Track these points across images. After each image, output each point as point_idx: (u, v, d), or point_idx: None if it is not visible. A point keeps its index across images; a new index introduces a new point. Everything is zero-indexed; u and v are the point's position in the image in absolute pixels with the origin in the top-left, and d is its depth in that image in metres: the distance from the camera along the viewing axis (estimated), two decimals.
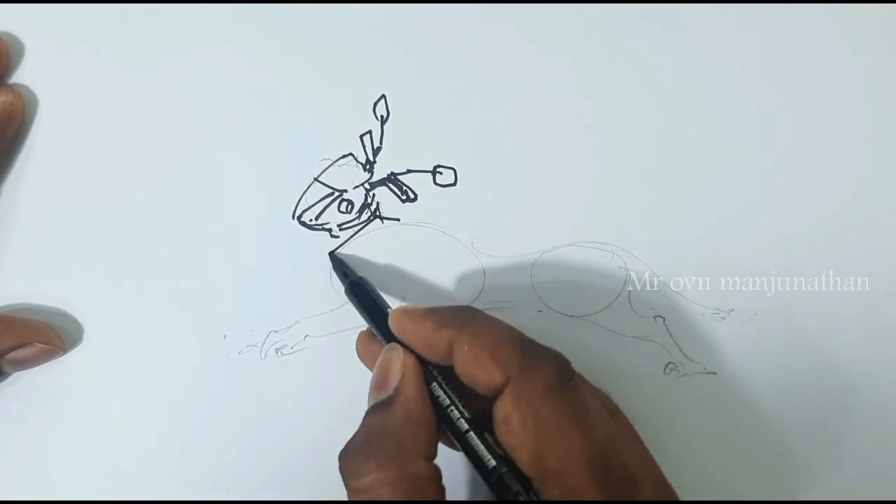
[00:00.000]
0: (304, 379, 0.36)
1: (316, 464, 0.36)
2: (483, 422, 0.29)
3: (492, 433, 0.28)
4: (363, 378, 0.35)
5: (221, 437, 0.36)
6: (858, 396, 0.35)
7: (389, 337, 0.31)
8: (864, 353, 0.35)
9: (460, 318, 0.30)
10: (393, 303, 0.36)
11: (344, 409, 0.36)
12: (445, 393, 0.30)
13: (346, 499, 0.35)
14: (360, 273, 0.35)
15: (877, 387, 0.35)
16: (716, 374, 0.35)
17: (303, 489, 0.36)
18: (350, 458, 0.29)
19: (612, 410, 0.32)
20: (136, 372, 0.36)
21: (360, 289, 0.33)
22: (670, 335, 0.35)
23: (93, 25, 0.36)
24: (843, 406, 0.35)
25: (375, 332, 0.33)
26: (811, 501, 0.35)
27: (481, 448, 0.28)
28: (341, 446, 0.35)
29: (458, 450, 0.30)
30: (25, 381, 0.36)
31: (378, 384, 0.30)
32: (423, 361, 0.30)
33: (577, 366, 0.35)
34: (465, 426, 0.29)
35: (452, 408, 0.29)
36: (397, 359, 0.30)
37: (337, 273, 0.35)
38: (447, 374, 0.30)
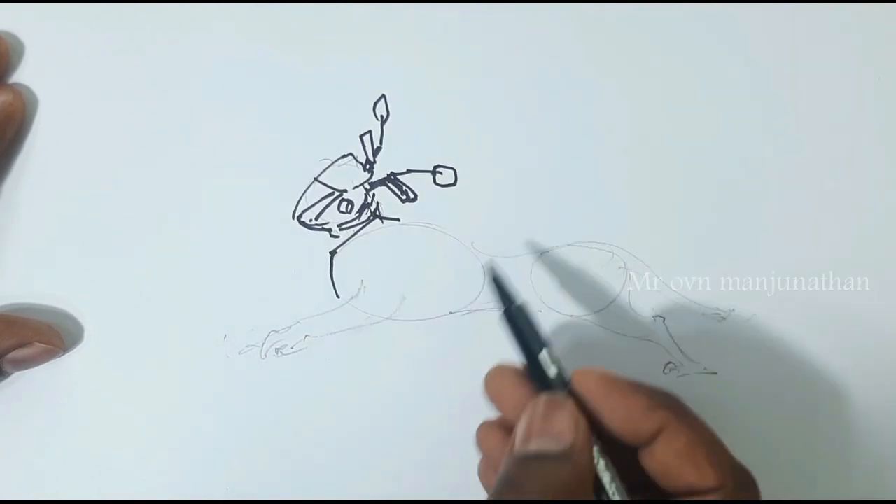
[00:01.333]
0: (304, 379, 0.36)
1: (315, 463, 0.36)
2: None
3: None
4: (363, 378, 0.35)
5: (221, 436, 0.36)
6: (858, 396, 0.35)
7: (548, 383, 0.29)
8: (864, 353, 0.35)
9: (674, 405, 0.28)
10: (396, 305, 0.36)
11: (344, 409, 0.36)
12: (614, 471, 0.27)
13: (345, 498, 0.35)
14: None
15: (877, 387, 0.35)
16: (716, 374, 0.35)
17: (303, 489, 0.36)
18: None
19: None
20: (135, 372, 0.36)
21: (522, 317, 0.30)
22: (670, 335, 0.35)
23: (93, 25, 0.36)
24: (843, 406, 0.35)
25: (530, 374, 0.29)
26: (811, 501, 0.35)
27: None
28: (341, 446, 0.35)
29: None
30: (25, 381, 0.36)
31: (542, 430, 0.27)
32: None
33: (577, 366, 0.35)
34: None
35: (618, 488, 0.27)
36: (570, 413, 0.27)
37: (493, 290, 0.31)
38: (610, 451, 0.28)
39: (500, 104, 0.36)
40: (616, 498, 0.27)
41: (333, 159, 0.36)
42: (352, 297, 0.36)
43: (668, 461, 0.27)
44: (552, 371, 0.29)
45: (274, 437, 0.36)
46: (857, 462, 0.35)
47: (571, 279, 0.35)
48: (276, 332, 0.36)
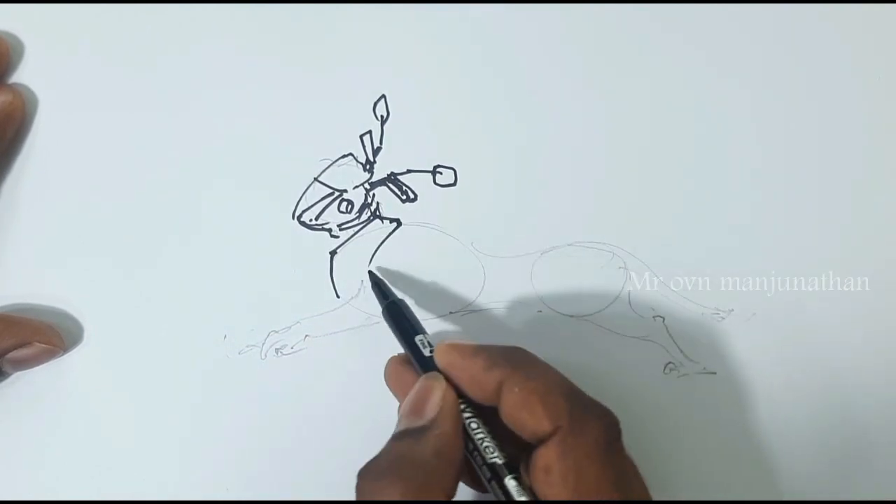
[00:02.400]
0: (304, 379, 0.36)
1: (316, 464, 0.36)
2: (513, 465, 0.28)
3: (519, 478, 0.28)
4: (363, 378, 0.35)
5: (221, 436, 0.36)
6: (858, 396, 0.35)
7: (427, 366, 0.31)
8: (864, 353, 0.35)
9: (513, 359, 0.29)
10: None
11: (344, 410, 0.36)
12: (485, 432, 0.29)
13: (345, 498, 0.35)
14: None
15: (877, 387, 0.35)
16: (715, 374, 0.35)
17: (303, 489, 0.36)
18: (373, 480, 0.28)
19: None
20: (136, 372, 0.36)
21: (397, 311, 0.33)
22: (670, 335, 0.35)
23: (93, 25, 0.36)
24: (842, 406, 0.35)
25: (411, 360, 0.32)
26: (811, 501, 0.35)
27: (514, 491, 0.28)
28: (341, 446, 0.35)
29: (479, 490, 0.30)
30: (25, 381, 0.36)
31: (412, 410, 0.29)
32: (460, 397, 0.30)
33: (577, 366, 0.35)
34: (503, 468, 0.28)
35: (489, 447, 0.29)
36: (438, 389, 0.29)
37: (374, 291, 0.34)
38: (483, 414, 0.29)
39: (500, 104, 0.36)
40: (488, 455, 0.28)
41: (333, 159, 0.36)
42: (352, 297, 0.36)
43: (510, 413, 0.28)
44: (426, 352, 0.31)
45: (274, 437, 0.36)
46: (857, 462, 0.35)
47: (571, 279, 0.35)
48: (276, 332, 0.36)
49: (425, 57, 0.36)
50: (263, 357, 0.36)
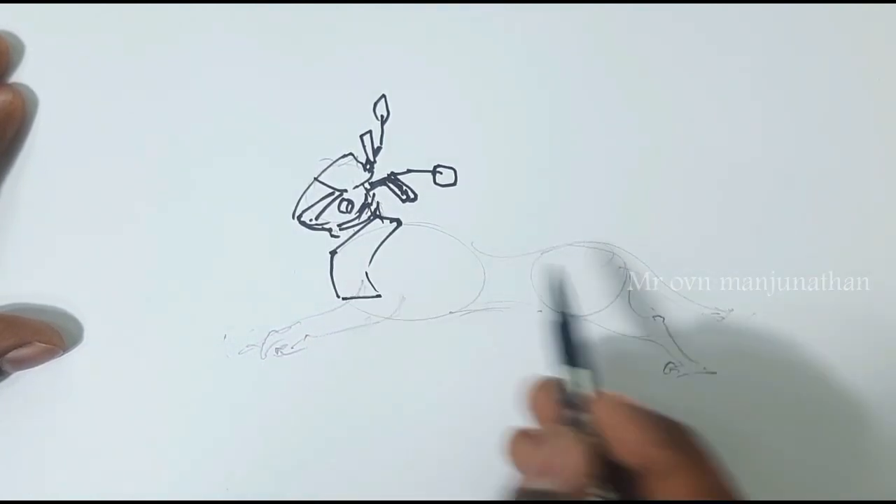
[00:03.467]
0: (304, 379, 0.36)
1: (315, 463, 0.36)
2: None
3: None
4: (363, 378, 0.35)
5: (221, 437, 0.36)
6: (858, 396, 0.35)
7: (576, 408, 0.28)
8: (864, 353, 0.35)
9: (690, 443, 0.28)
10: (396, 305, 0.36)
11: (343, 410, 0.36)
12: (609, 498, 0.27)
13: (345, 498, 0.35)
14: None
15: (877, 387, 0.35)
16: (716, 374, 0.35)
17: (302, 489, 0.36)
18: None
19: None
20: (135, 372, 0.36)
21: (570, 330, 0.29)
22: (670, 335, 0.35)
23: (93, 25, 0.36)
24: (842, 406, 0.35)
25: (559, 389, 0.29)
26: (811, 501, 0.35)
27: None
28: (340, 446, 0.35)
29: None
30: (25, 381, 0.36)
31: (543, 468, 0.27)
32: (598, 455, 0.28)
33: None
34: None
35: None
36: (579, 454, 0.27)
37: (552, 293, 0.31)
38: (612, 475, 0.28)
39: (500, 104, 0.36)
40: None
41: (333, 159, 0.36)
42: (352, 297, 0.36)
43: (666, 497, 0.27)
44: (585, 391, 0.29)
45: (274, 437, 0.36)
46: (857, 462, 0.35)
47: (571, 279, 0.35)
48: (276, 332, 0.36)
49: (425, 57, 0.36)
50: (263, 357, 0.36)
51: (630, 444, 0.27)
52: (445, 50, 0.36)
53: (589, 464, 0.27)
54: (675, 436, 0.28)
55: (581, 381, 0.29)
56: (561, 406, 0.29)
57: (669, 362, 0.35)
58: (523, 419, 0.30)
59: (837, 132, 0.35)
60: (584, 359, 0.29)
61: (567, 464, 0.27)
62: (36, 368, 0.35)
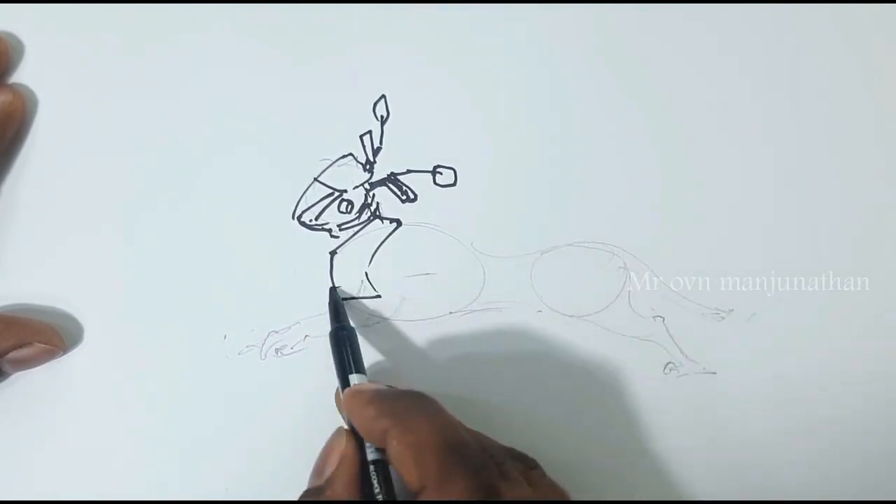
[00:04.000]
0: (304, 379, 0.36)
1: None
2: None
3: None
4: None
5: (221, 437, 0.36)
6: (858, 396, 0.35)
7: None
8: (864, 353, 0.35)
9: (400, 408, 0.29)
10: (396, 305, 0.36)
11: None
12: (383, 482, 0.30)
13: None
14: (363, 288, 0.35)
15: (876, 387, 0.35)
16: (715, 374, 0.35)
17: (303, 489, 0.36)
18: None
19: None
20: (135, 372, 0.36)
21: (343, 339, 0.33)
22: (670, 335, 0.35)
23: (93, 25, 0.36)
24: (842, 406, 0.35)
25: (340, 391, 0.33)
26: (811, 501, 0.35)
27: None
28: None
29: None
30: (25, 381, 0.36)
31: (317, 469, 0.31)
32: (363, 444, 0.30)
33: (577, 366, 0.35)
34: None
35: (379, 497, 0.29)
36: (337, 447, 0.30)
37: (329, 309, 0.35)
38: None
39: (500, 104, 0.36)
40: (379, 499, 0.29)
41: (333, 159, 0.36)
42: (352, 297, 0.36)
43: (393, 464, 0.29)
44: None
45: (274, 438, 0.36)
46: (857, 461, 0.35)
47: (571, 279, 0.35)
48: (276, 332, 0.36)
49: (425, 57, 0.36)
50: (263, 357, 0.36)
51: (361, 425, 0.30)
52: (445, 50, 0.36)
53: (344, 454, 0.30)
54: (387, 406, 0.29)
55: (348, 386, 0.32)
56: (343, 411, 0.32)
57: (669, 362, 0.35)
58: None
59: (837, 132, 0.35)
60: (358, 365, 0.33)
61: (330, 458, 0.30)
62: (36, 368, 0.35)
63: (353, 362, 0.33)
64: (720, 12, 0.36)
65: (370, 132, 0.36)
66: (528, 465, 0.31)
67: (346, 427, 0.32)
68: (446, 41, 0.36)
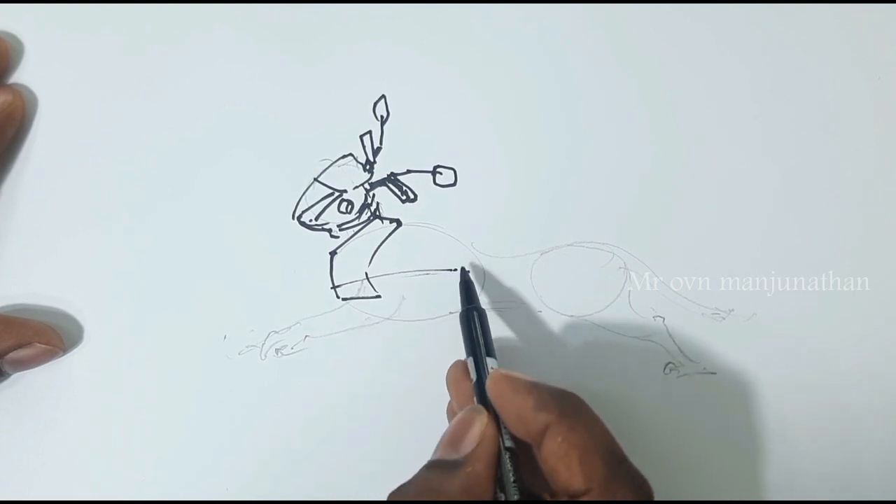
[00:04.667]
0: (304, 379, 0.36)
1: (315, 463, 0.36)
2: None
3: None
4: (363, 378, 0.35)
5: (221, 437, 0.36)
6: (858, 396, 0.35)
7: (481, 389, 0.31)
8: (864, 353, 0.35)
9: (563, 404, 0.28)
10: (396, 305, 0.36)
11: (343, 410, 0.36)
12: (515, 471, 0.29)
13: (345, 498, 0.35)
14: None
15: (876, 387, 0.35)
16: (715, 374, 0.35)
17: (302, 489, 0.36)
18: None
19: None
20: (135, 372, 0.36)
21: (474, 320, 0.33)
22: (670, 335, 0.35)
23: (93, 25, 0.36)
24: (842, 406, 0.35)
25: (471, 369, 0.32)
26: (811, 501, 0.35)
27: None
28: (341, 446, 0.35)
29: None
30: (25, 381, 0.36)
31: (450, 441, 0.29)
32: (500, 428, 0.30)
33: (577, 366, 0.35)
34: None
35: (514, 488, 0.28)
36: (479, 424, 0.29)
37: (461, 289, 0.34)
38: (521, 448, 0.29)
39: (500, 104, 0.36)
40: (511, 497, 0.28)
41: (333, 159, 0.36)
42: (352, 297, 0.36)
43: (548, 460, 0.28)
44: (477, 376, 0.31)
45: (274, 438, 0.36)
46: (857, 462, 0.35)
47: (571, 279, 0.35)
48: (276, 332, 0.36)
49: (425, 57, 0.36)
50: (263, 357, 0.36)
51: (512, 411, 0.29)
52: (446, 50, 0.36)
53: (485, 434, 0.29)
54: (549, 400, 0.29)
55: (488, 368, 0.31)
56: (474, 389, 0.31)
57: (669, 362, 0.35)
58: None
59: (837, 132, 0.35)
60: (490, 348, 0.32)
61: (470, 434, 0.29)
62: (36, 368, 0.35)
63: (486, 344, 0.32)
64: (721, 13, 0.36)
65: (370, 132, 0.36)
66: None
67: (479, 405, 0.31)
68: (446, 41, 0.36)
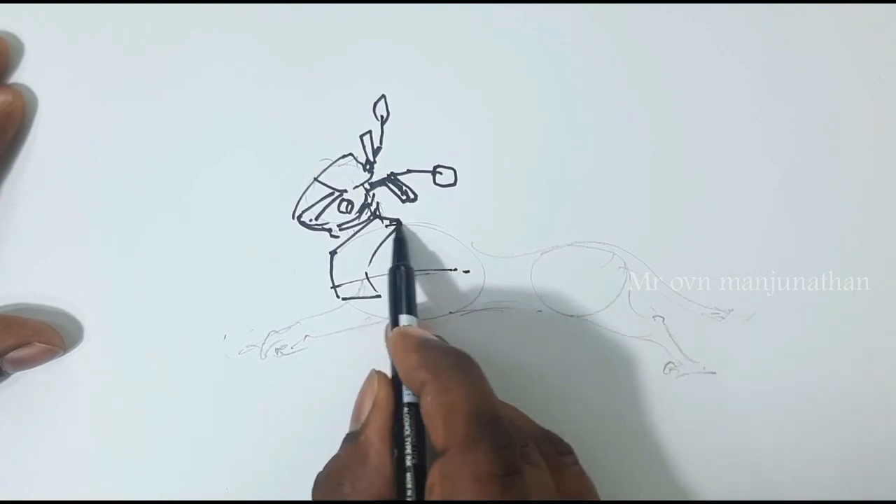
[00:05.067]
0: (304, 379, 0.36)
1: (316, 463, 0.36)
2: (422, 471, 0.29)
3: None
4: (363, 378, 0.35)
5: (221, 437, 0.36)
6: (858, 396, 0.35)
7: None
8: (864, 353, 0.35)
9: (441, 364, 0.29)
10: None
11: (344, 409, 0.36)
12: (410, 427, 0.29)
13: None
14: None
15: (876, 387, 0.35)
16: (715, 374, 0.35)
17: (303, 489, 0.36)
18: (318, 488, 0.29)
19: None
20: (135, 372, 0.36)
21: (398, 278, 0.33)
22: (670, 335, 0.35)
23: (93, 25, 0.36)
24: (842, 406, 0.35)
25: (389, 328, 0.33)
26: (810, 501, 0.35)
27: (407, 491, 0.28)
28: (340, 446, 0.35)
29: None
30: (25, 381, 0.36)
31: (354, 414, 0.31)
32: (400, 385, 0.30)
33: (577, 366, 0.35)
34: (407, 465, 0.29)
35: (407, 444, 0.29)
36: (371, 390, 0.30)
37: (394, 246, 0.35)
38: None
39: (500, 104, 0.36)
40: (404, 452, 0.29)
41: (333, 159, 0.36)
42: (352, 297, 0.36)
43: (423, 418, 0.28)
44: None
45: (274, 438, 0.36)
46: (857, 461, 0.35)
47: (571, 279, 0.35)
48: (276, 332, 0.36)
49: (425, 57, 0.36)
50: (263, 357, 0.36)
51: (402, 370, 0.30)
52: (446, 50, 0.36)
53: (377, 399, 0.30)
54: (430, 359, 0.29)
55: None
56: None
57: (669, 362, 0.35)
58: None
59: (837, 132, 0.35)
60: (411, 306, 0.32)
61: (365, 403, 0.30)
62: (36, 368, 0.35)
63: (407, 302, 0.33)
64: (721, 12, 0.36)
65: (370, 132, 0.36)
66: (559, 450, 0.31)
67: (377, 370, 0.31)
68: (446, 41, 0.36)
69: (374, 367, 0.32)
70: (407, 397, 0.30)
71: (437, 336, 0.31)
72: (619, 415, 0.35)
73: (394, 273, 0.34)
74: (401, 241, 0.34)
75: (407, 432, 0.29)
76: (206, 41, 0.36)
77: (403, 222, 0.36)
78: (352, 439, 0.30)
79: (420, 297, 0.36)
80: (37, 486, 0.36)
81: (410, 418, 0.30)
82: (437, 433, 0.27)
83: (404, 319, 0.32)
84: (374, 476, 0.29)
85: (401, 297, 0.33)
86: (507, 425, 0.27)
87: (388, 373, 0.32)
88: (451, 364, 0.29)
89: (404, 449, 0.29)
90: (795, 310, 0.35)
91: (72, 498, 0.36)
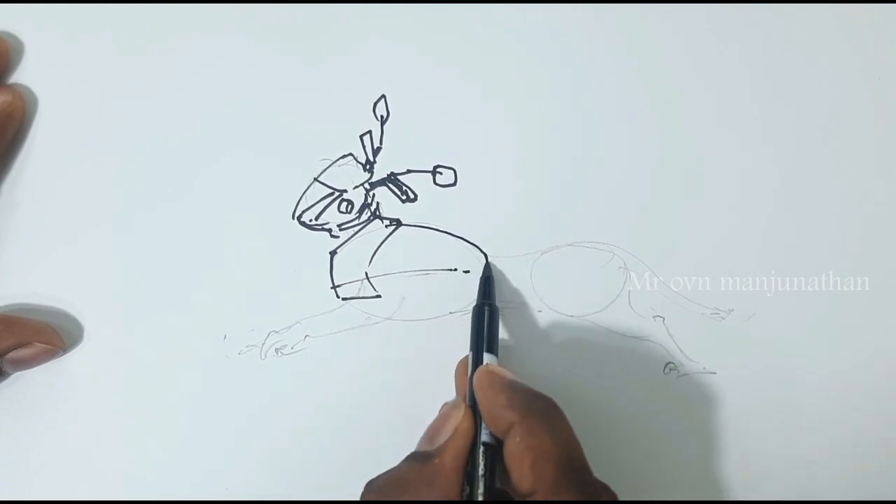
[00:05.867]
0: (304, 379, 0.36)
1: (316, 463, 0.36)
2: None
3: None
4: (363, 378, 0.36)
5: (221, 437, 0.36)
6: (858, 396, 0.35)
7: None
8: (864, 353, 0.35)
9: (531, 406, 0.29)
10: (396, 305, 0.36)
11: (344, 409, 0.36)
12: (488, 466, 0.29)
13: (344, 497, 0.35)
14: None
15: (876, 387, 0.35)
16: (715, 374, 0.35)
17: (303, 489, 0.36)
18: (373, 492, 0.29)
19: None
20: (135, 372, 0.36)
21: (483, 316, 0.33)
22: (670, 335, 0.35)
23: (93, 25, 0.36)
24: (842, 406, 0.35)
25: (469, 364, 0.32)
26: (810, 501, 0.35)
27: None
28: (341, 446, 0.35)
29: None
30: (25, 381, 0.36)
31: (430, 434, 0.30)
32: (479, 423, 0.30)
33: (577, 366, 0.35)
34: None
35: (482, 482, 0.29)
36: (454, 419, 0.30)
37: (480, 283, 0.35)
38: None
39: (500, 104, 0.36)
40: (476, 490, 0.29)
41: (333, 159, 0.36)
42: (352, 297, 0.36)
43: (506, 458, 0.28)
44: (472, 370, 0.32)
45: (274, 437, 0.36)
46: (857, 461, 0.35)
47: (571, 279, 0.35)
48: (276, 332, 0.36)
49: (425, 57, 0.36)
50: (263, 357, 0.36)
51: (487, 407, 0.29)
52: (446, 50, 0.36)
53: (459, 428, 0.29)
54: (518, 400, 0.29)
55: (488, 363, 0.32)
56: (468, 384, 0.31)
57: (669, 362, 0.35)
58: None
59: (838, 132, 0.35)
60: (492, 344, 0.33)
61: (446, 427, 0.30)
62: (36, 368, 0.35)
63: (489, 340, 0.33)
64: (721, 13, 0.36)
65: (370, 132, 0.36)
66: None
67: (464, 400, 0.31)
68: (446, 41, 0.36)
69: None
70: (485, 436, 0.30)
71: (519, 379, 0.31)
72: (619, 415, 0.35)
73: (479, 311, 0.33)
74: (488, 280, 0.34)
75: (482, 471, 0.29)
76: (206, 41, 0.36)
77: (403, 222, 0.36)
78: (422, 459, 0.29)
79: (421, 297, 0.36)
80: (37, 486, 0.36)
81: (486, 458, 0.29)
82: (523, 476, 0.27)
83: (488, 358, 0.32)
84: (436, 500, 0.28)
85: (484, 335, 0.33)
86: (593, 476, 0.28)
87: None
88: (541, 409, 0.29)
89: (476, 487, 0.29)
90: (795, 310, 0.35)
91: (72, 498, 0.36)
